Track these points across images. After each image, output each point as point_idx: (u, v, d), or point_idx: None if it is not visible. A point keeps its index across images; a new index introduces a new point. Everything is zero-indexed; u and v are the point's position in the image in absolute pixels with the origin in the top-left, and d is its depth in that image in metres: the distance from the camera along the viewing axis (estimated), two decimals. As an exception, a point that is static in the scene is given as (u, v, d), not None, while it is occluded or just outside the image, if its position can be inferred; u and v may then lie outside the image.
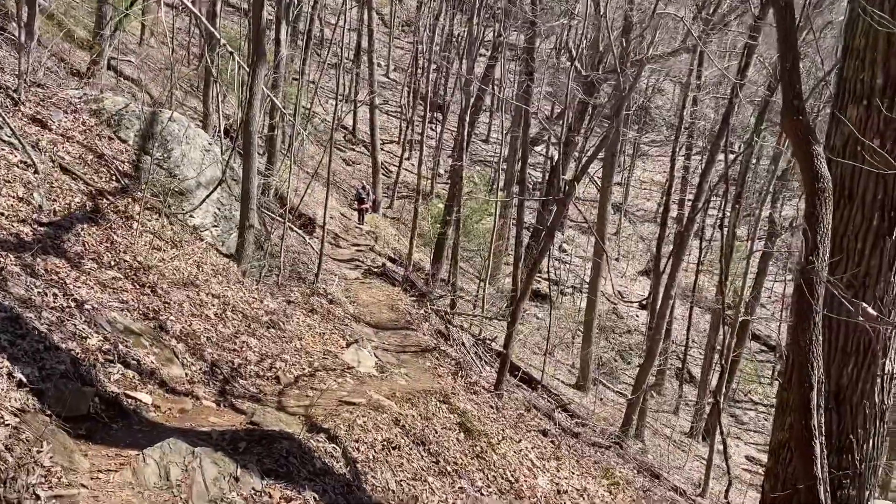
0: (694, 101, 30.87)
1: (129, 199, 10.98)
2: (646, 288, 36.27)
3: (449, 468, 8.97)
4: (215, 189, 12.35)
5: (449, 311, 17.04)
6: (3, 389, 5.32)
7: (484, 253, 29.21)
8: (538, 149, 43.37)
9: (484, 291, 19.53)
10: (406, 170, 36.52)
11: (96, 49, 18.33)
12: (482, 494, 9.02)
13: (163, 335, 8.25)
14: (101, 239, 9.33)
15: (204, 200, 12.10)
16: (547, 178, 30.57)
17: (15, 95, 11.37)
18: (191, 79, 21.16)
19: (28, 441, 4.81)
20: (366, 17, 36.89)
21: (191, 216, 12.18)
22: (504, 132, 41.99)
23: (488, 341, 17.82)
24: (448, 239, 25.52)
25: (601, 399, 25.21)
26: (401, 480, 7.82)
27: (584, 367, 23.92)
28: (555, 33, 41.59)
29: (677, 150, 38.00)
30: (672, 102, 47.07)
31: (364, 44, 39.39)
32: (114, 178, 11.35)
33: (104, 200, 10.46)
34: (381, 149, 35.71)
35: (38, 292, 7.05)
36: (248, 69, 12.35)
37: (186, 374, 7.85)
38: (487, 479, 9.52)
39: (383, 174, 35.18)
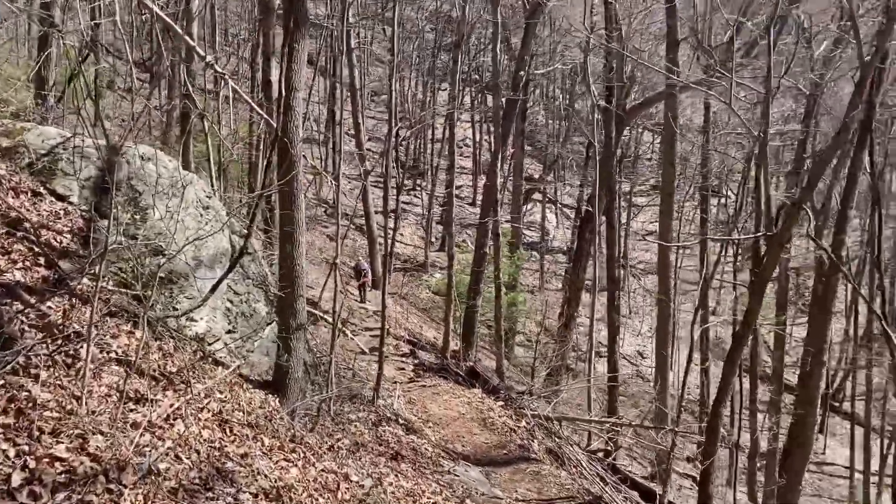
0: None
1: (70, 299, 5.08)
2: (668, 346, 30.92)
3: None
4: (232, 269, 6.46)
5: (552, 418, 11.14)
6: None
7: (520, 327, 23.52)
8: (527, 206, 38.41)
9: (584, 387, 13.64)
10: (397, 241, 30.86)
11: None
12: None
13: None
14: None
15: (215, 288, 6.17)
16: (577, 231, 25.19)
17: None
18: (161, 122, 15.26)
19: None
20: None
21: (191, 319, 6.27)
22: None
23: (599, 453, 12.01)
24: (478, 313, 19.81)
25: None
26: None
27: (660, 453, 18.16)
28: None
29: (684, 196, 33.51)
30: (652, 151, 42.85)
31: (338, 115, 34.24)
32: (41, 261, 5.44)
33: (12, 307, 4.55)
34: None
35: None
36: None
37: None
38: None
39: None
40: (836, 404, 29.50)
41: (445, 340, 17.02)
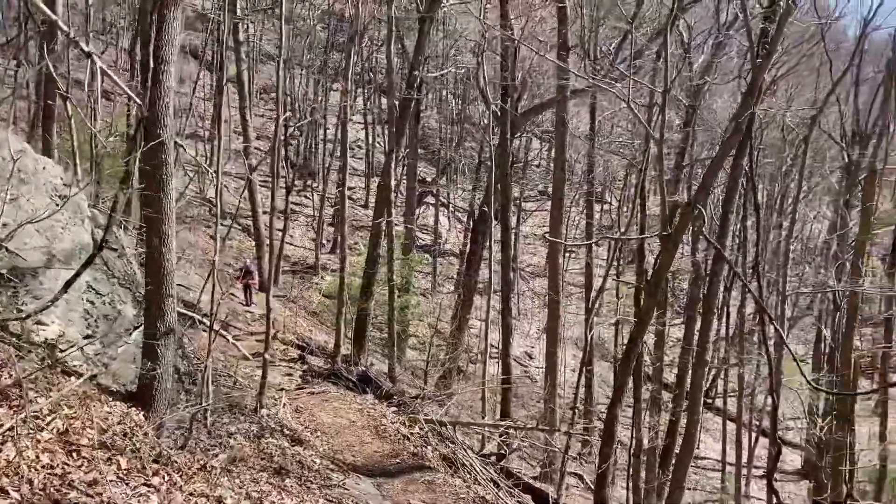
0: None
1: None
2: (556, 347, 31.35)
3: None
4: (89, 264, 5.62)
5: (446, 423, 10.74)
6: None
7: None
8: (420, 210, 38.09)
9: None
10: (287, 242, 29.73)
11: None
12: None
13: None
14: None
15: (69, 285, 5.32)
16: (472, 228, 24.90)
17: None
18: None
19: None
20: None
21: (39, 322, 5.39)
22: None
23: (492, 456, 11.73)
24: (370, 316, 19.21)
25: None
26: None
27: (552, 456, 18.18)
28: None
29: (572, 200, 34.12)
30: (541, 157, 43.67)
31: (225, 113, 32.57)
32: None
33: None
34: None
35: None
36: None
37: None
38: None
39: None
40: (710, 401, 30.94)
41: (336, 344, 16.31)
